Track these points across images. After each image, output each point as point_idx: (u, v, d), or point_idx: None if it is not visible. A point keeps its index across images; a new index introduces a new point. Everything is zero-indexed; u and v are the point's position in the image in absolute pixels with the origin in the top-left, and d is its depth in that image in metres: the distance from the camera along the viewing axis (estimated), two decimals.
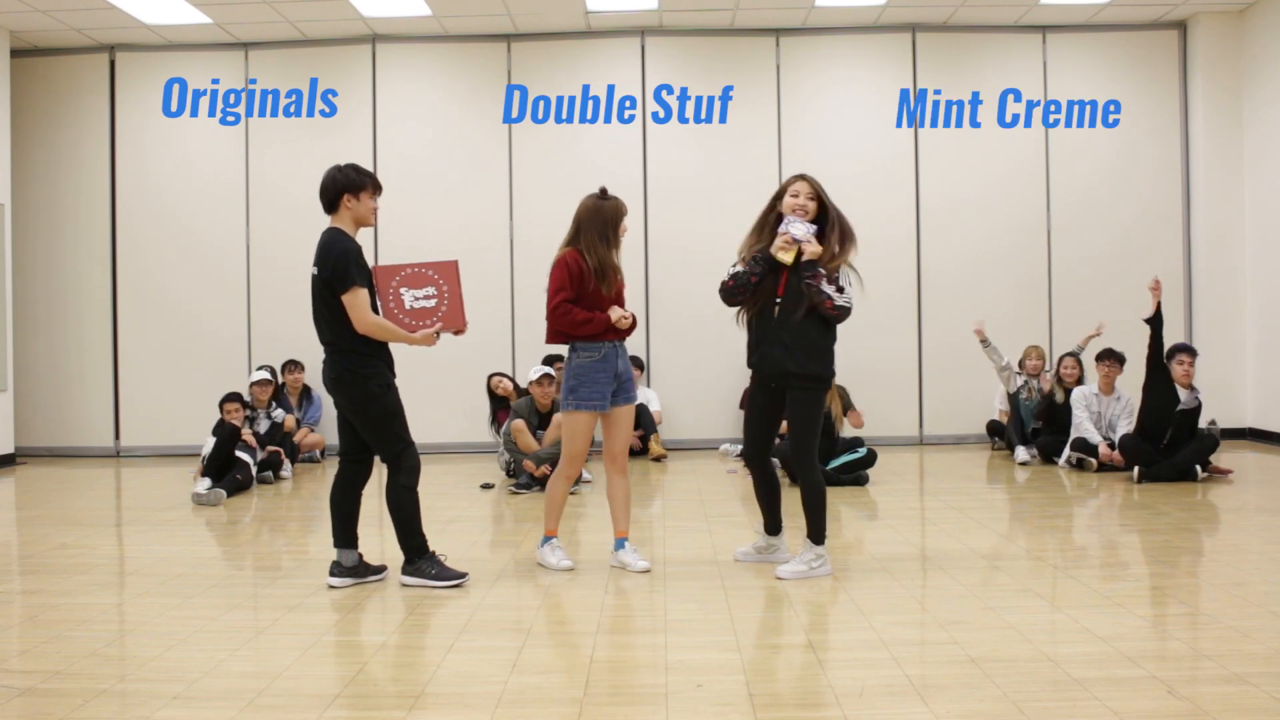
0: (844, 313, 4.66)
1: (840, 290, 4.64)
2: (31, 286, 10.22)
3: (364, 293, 4.52)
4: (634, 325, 4.91)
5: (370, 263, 4.76)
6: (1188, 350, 7.72)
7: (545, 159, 10.06)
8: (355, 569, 4.72)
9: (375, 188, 4.68)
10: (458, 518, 6.47)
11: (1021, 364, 9.11)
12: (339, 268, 4.49)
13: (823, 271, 4.62)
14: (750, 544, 5.09)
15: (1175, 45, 10.12)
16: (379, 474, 4.89)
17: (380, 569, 4.82)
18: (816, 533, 4.75)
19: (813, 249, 4.63)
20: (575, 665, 3.58)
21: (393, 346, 4.70)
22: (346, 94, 10.12)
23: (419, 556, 4.66)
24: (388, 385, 4.60)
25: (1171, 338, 9.85)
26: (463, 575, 4.63)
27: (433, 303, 4.62)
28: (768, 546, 4.99)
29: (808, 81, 10.12)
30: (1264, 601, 4.20)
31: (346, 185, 4.60)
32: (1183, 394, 7.65)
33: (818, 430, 4.75)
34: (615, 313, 4.79)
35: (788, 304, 4.66)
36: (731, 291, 4.76)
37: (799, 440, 4.73)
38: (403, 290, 4.62)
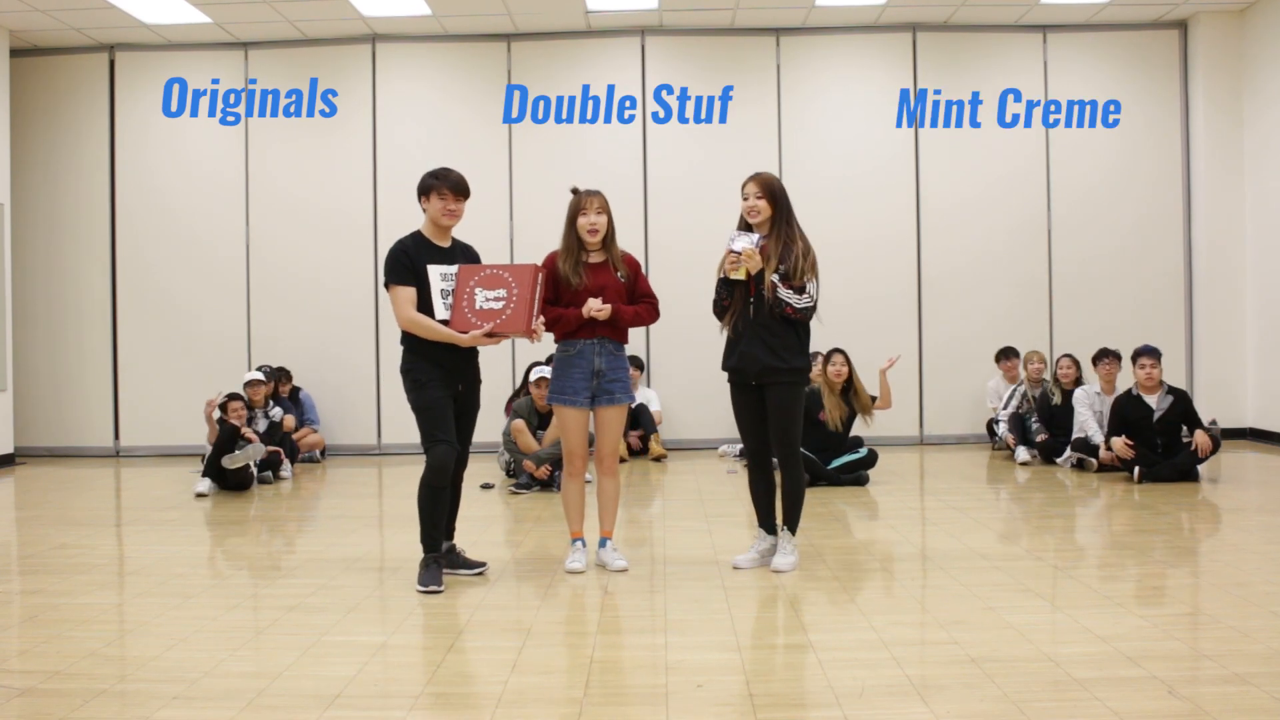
0: (807, 314, 4.77)
1: (801, 291, 4.72)
2: (31, 286, 10.21)
3: (404, 291, 4.67)
4: (625, 321, 4.85)
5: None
6: (1150, 353, 7.52)
7: (545, 159, 10.06)
8: (442, 556, 4.82)
9: (444, 189, 4.72)
10: (458, 518, 6.45)
11: (1025, 364, 9.12)
12: (385, 266, 4.78)
13: (775, 280, 4.70)
14: (752, 549, 5.04)
15: (1175, 45, 10.12)
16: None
17: (478, 565, 4.91)
18: (795, 524, 4.91)
19: (754, 263, 4.70)
20: (575, 665, 3.57)
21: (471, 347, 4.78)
22: (346, 94, 10.12)
23: (425, 553, 4.68)
24: (423, 382, 4.66)
25: (1172, 338, 9.91)
26: (435, 586, 4.58)
27: (499, 305, 4.64)
28: (770, 548, 4.98)
29: (808, 81, 10.12)
30: (1264, 601, 4.20)
31: (419, 189, 4.80)
32: (1153, 400, 7.51)
33: (800, 422, 4.88)
34: (590, 305, 4.77)
35: (762, 302, 4.76)
36: (719, 315, 4.97)
37: (784, 435, 4.82)
38: (477, 290, 4.67)
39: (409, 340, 4.72)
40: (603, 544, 4.99)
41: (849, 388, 7.66)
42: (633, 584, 4.68)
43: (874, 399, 7.72)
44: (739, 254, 4.72)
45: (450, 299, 4.70)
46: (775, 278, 4.71)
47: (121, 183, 10.20)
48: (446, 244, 4.83)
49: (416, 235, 4.81)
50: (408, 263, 4.69)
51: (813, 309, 4.77)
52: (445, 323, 4.66)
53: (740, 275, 4.74)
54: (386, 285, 4.74)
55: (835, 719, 3.03)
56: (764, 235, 4.81)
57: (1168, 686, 3.21)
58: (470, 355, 4.83)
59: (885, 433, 9.63)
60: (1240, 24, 9.87)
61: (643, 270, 5.07)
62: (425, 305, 4.68)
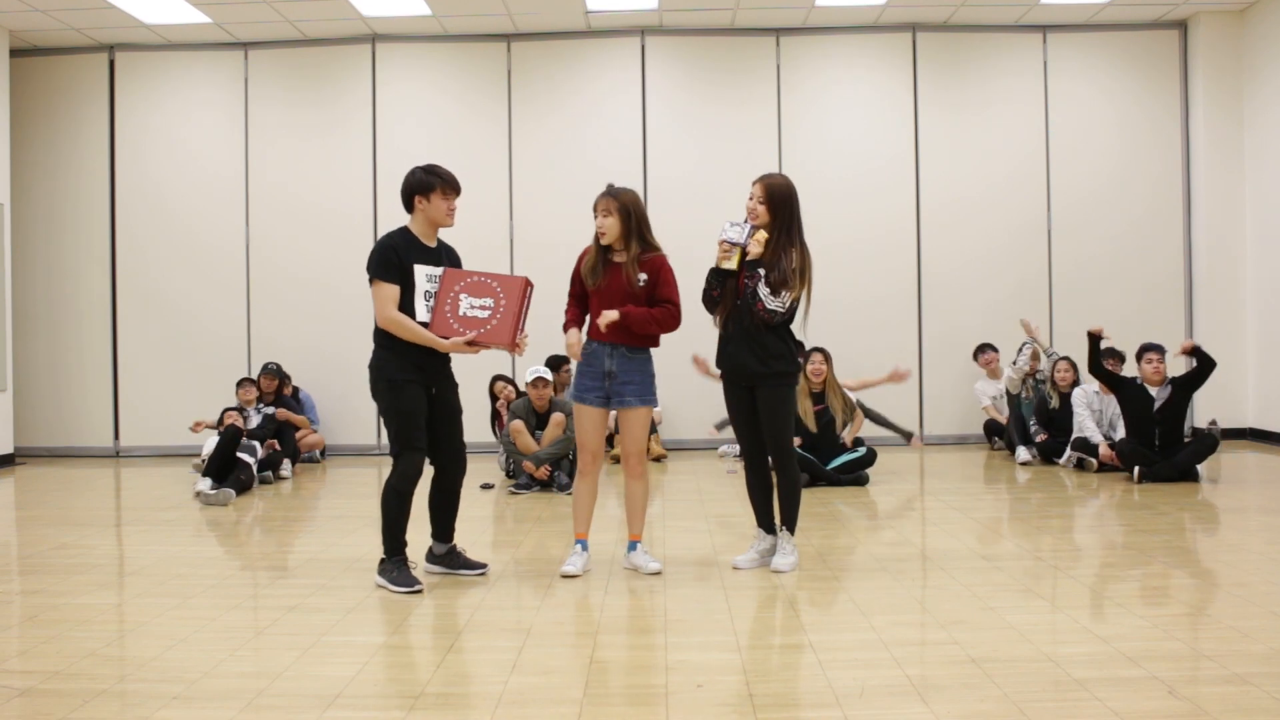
0: (774, 317, 4.71)
1: (775, 293, 4.68)
2: (31, 286, 10.22)
3: (387, 288, 4.57)
4: (634, 324, 4.70)
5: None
6: (1156, 349, 7.61)
7: (545, 159, 10.06)
8: (444, 557, 4.90)
9: (447, 188, 4.68)
10: (458, 518, 6.45)
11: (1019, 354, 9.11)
12: (370, 260, 4.65)
13: (760, 273, 4.69)
14: (751, 549, 5.04)
15: (1175, 45, 10.12)
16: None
17: (479, 565, 4.92)
18: (794, 523, 4.93)
19: (755, 250, 4.68)
20: (575, 665, 3.57)
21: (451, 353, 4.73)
22: (346, 94, 10.12)
23: (389, 556, 4.66)
24: (400, 383, 4.58)
25: (1172, 338, 9.90)
26: (418, 585, 4.58)
27: (485, 314, 4.58)
28: (770, 548, 4.99)
29: (808, 81, 10.12)
30: (1264, 601, 4.20)
31: (416, 187, 4.69)
32: (1155, 391, 7.58)
33: (792, 422, 4.91)
34: (605, 318, 4.70)
35: (747, 306, 4.77)
36: (708, 307, 4.94)
37: (776, 435, 4.84)
38: (462, 296, 4.60)
39: (387, 338, 4.61)
40: (632, 547, 4.94)
41: (828, 389, 7.66)
42: (633, 584, 4.68)
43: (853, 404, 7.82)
44: (733, 244, 4.70)
45: (432, 301, 4.63)
46: (761, 273, 4.69)
47: (121, 183, 10.20)
48: (434, 244, 4.75)
49: (405, 233, 4.70)
50: (395, 260, 4.59)
51: (779, 315, 4.70)
52: (425, 325, 4.60)
53: (732, 265, 4.71)
54: (370, 280, 4.62)
55: (835, 719, 3.03)
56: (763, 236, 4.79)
57: (1168, 686, 3.21)
58: (446, 358, 4.76)
59: (885, 432, 9.65)
60: (1240, 24, 9.87)
61: (670, 273, 4.83)
62: (407, 305, 4.60)
